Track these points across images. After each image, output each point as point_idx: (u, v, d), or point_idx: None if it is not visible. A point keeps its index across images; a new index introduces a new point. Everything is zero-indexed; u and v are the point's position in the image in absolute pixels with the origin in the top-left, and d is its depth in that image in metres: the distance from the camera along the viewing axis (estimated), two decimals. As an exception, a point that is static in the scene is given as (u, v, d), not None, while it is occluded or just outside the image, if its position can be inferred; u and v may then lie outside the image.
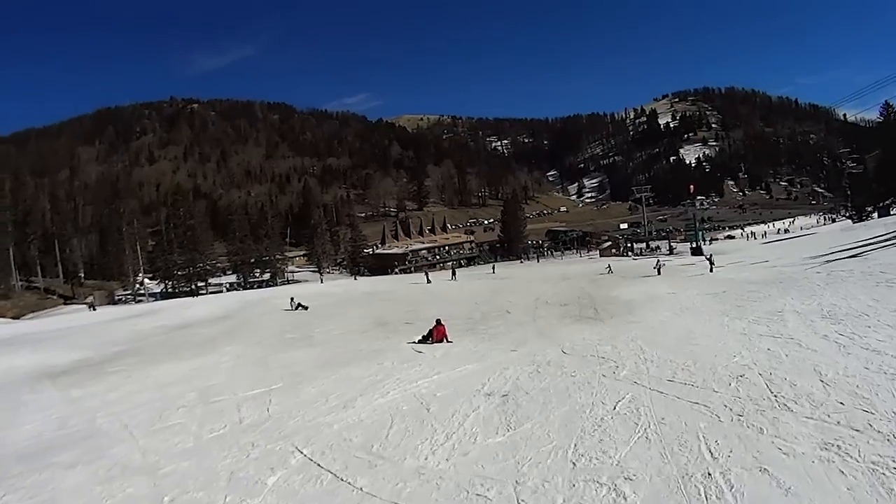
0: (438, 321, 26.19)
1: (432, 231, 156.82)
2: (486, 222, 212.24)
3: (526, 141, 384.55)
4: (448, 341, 25.19)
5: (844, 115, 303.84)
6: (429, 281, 63.84)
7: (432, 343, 25.10)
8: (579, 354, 19.81)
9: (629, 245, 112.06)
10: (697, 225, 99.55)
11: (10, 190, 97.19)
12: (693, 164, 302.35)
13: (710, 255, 51.52)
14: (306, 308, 43.61)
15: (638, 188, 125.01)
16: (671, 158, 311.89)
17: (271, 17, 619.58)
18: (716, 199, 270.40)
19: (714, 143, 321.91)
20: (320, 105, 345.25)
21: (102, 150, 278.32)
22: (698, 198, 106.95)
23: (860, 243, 48.10)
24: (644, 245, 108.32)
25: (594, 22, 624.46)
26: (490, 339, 25.30)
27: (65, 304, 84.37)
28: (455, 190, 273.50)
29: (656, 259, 59.33)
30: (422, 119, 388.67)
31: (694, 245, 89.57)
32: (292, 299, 45.42)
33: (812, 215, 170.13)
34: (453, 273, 71.11)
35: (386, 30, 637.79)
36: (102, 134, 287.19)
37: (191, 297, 79.15)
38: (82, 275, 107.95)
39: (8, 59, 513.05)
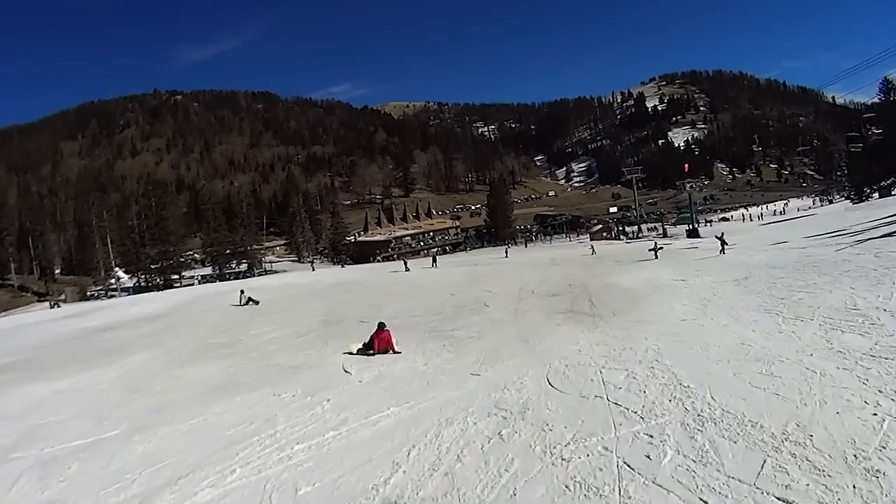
0: (381, 325, 20.25)
1: (417, 217, 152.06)
2: (473, 208, 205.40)
3: (513, 126, 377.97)
4: (395, 351, 19.50)
5: (833, 97, 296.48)
6: (407, 269, 58.59)
7: (374, 354, 19.30)
8: (575, 390, 13.06)
9: (621, 228, 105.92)
10: (693, 206, 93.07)
11: None
12: (682, 148, 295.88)
13: (722, 234, 45.30)
14: (257, 303, 38.92)
15: (629, 169, 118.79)
16: (660, 142, 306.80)
17: (257, 8, 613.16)
18: (705, 182, 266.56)
19: (703, 126, 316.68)
20: (306, 94, 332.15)
21: (85, 144, 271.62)
22: (687, 181, 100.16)
23: (879, 222, 42.02)
24: (636, 228, 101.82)
25: (580, 5, 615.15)
26: (452, 349, 19.49)
27: (38, 301, 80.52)
28: (441, 176, 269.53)
29: (653, 242, 52.86)
30: (408, 106, 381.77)
31: (690, 227, 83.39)
32: (242, 293, 40.53)
33: (804, 197, 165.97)
34: (434, 260, 64.95)
35: (371, 17, 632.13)
36: (85, 128, 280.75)
37: (156, 292, 73.11)
38: (58, 271, 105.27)
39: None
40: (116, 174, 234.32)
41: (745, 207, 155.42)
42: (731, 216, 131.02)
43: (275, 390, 15.89)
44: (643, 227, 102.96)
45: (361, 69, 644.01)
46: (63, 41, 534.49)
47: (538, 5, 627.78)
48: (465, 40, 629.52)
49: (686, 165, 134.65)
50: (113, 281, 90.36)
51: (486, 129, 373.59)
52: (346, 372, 17.35)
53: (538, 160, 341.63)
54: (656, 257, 44.07)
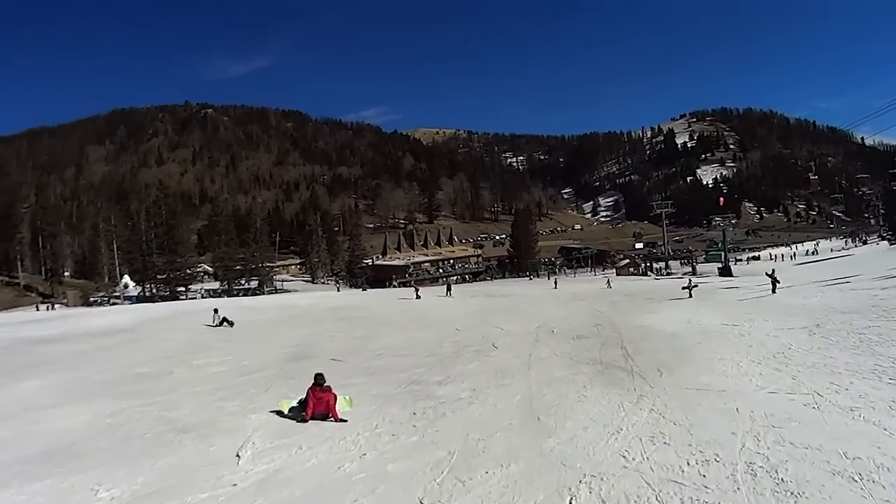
0: (319, 380, 14.02)
1: (437, 244, 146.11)
2: (497, 237, 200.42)
3: (541, 157, 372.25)
4: (336, 419, 13.36)
5: (862, 138, 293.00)
6: (418, 296, 52.74)
7: (306, 420, 13.26)
8: None
9: (648, 264, 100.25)
10: (725, 243, 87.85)
11: None
12: (710, 185, 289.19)
13: (773, 272, 40.34)
14: (231, 325, 33.53)
15: (658, 203, 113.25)
16: (688, 179, 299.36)
17: (293, 29, 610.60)
18: (733, 221, 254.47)
19: (731, 164, 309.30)
20: (337, 116, 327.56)
21: (112, 150, 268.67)
22: (716, 218, 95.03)
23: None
24: (663, 265, 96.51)
25: (611, 41, 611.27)
26: (421, 425, 13.16)
27: (42, 302, 76.49)
28: (467, 204, 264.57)
29: (687, 279, 48.96)
30: (437, 133, 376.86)
31: (722, 265, 79.35)
32: (216, 312, 35.17)
33: (833, 238, 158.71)
34: (448, 289, 59.38)
35: (406, 44, 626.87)
36: (114, 134, 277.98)
37: (160, 303, 69.19)
38: (67, 273, 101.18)
39: (28, 54, 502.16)
40: (140, 182, 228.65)
41: (773, 247, 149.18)
42: (761, 255, 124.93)
43: (102, 479, 10.00)
44: (670, 263, 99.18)
45: (393, 94, 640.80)
46: (100, 48, 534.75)
47: (570, 40, 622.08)
48: (496, 70, 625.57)
49: (721, 199, 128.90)
50: (117, 288, 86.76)
51: (514, 159, 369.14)
52: (237, 455, 11.09)
53: (565, 193, 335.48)
54: (691, 296, 39.66)
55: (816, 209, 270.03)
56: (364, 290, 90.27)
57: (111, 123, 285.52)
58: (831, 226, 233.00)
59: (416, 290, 56.84)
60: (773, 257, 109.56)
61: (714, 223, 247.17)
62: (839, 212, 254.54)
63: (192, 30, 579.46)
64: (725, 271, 72.75)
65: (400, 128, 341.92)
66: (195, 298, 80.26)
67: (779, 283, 38.23)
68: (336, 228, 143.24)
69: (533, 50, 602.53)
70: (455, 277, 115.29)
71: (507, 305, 43.05)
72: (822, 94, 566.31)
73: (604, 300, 42.92)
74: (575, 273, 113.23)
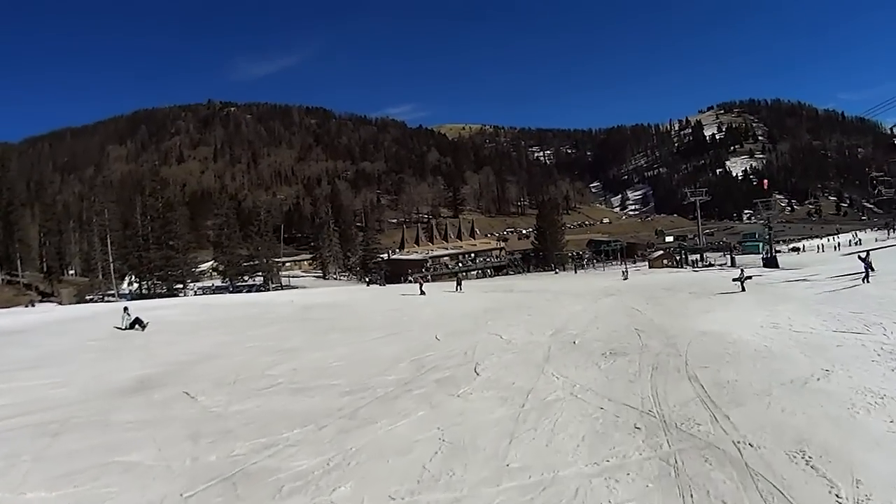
0: None
1: (459, 237, 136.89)
2: (523, 231, 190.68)
3: (569, 152, 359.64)
4: None
5: (892, 128, 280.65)
6: (422, 292, 45.13)
7: None
8: None
9: (683, 256, 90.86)
10: (771, 232, 79.26)
11: None
12: (740, 177, 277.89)
13: (867, 255, 32.19)
14: (143, 327, 26.43)
15: (693, 191, 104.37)
16: (717, 171, 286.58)
17: (319, 28, 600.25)
18: (764, 213, 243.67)
19: (761, 156, 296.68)
20: (362, 113, 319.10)
21: (132, 149, 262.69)
22: (764, 201, 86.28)
23: None
24: (698, 257, 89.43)
25: (639, 34, 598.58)
26: None
27: (41, 300, 71.12)
28: (493, 198, 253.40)
29: (738, 270, 40.84)
30: (463, 128, 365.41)
31: (767, 255, 71.11)
32: (125, 311, 27.81)
33: (868, 230, 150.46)
34: (458, 284, 51.36)
35: (432, 41, 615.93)
36: (135, 134, 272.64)
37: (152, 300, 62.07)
38: (73, 272, 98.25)
39: (54, 58, 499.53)
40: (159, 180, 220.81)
41: (808, 239, 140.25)
42: (803, 246, 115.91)
43: None
44: (708, 255, 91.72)
45: (420, 91, 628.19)
46: (122, 49, 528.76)
47: (597, 33, 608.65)
48: (523, 65, 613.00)
49: (764, 182, 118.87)
50: (106, 284, 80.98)
51: (541, 153, 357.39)
52: None
53: (593, 187, 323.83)
54: (743, 289, 32.98)
55: (848, 201, 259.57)
56: (382, 285, 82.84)
57: (133, 123, 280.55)
58: (863, 217, 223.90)
59: (420, 286, 48.29)
60: (818, 249, 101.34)
61: (746, 215, 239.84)
62: (870, 203, 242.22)
63: (217, 31, 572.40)
64: (771, 262, 64.41)
65: (426, 124, 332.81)
66: (186, 296, 75.81)
67: (874, 270, 30.08)
68: (359, 223, 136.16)
69: (559, 44, 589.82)
70: (475, 271, 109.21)
71: (522, 302, 35.26)
72: (846, 87, 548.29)
73: (640, 295, 35.28)
74: (605, 267, 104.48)
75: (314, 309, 35.02)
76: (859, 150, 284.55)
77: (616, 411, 10.75)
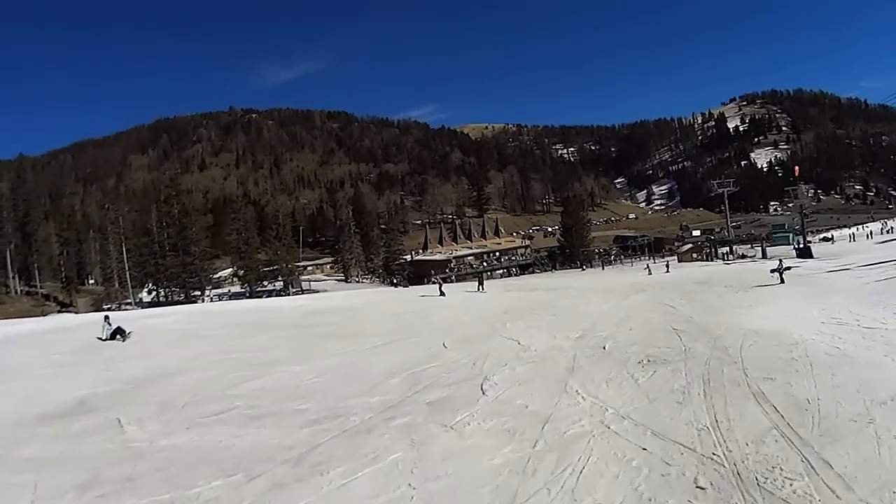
0: None
1: (483, 236, 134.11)
2: (549, 229, 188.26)
3: (592, 148, 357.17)
4: None
5: None
6: (442, 293, 42.59)
7: None
8: None
9: (713, 248, 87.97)
10: (804, 220, 76.66)
11: (10, 191, 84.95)
12: (765, 169, 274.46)
13: None
14: (123, 338, 23.80)
15: (720, 182, 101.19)
16: (742, 163, 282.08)
17: (340, 33, 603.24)
18: (790, 204, 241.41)
19: (785, 147, 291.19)
20: (385, 116, 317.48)
21: (154, 158, 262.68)
22: (796, 188, 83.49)
23: None
24: (727, 249, 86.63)
25: (658, 27, 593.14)
26: None
27: (59, 311, 71.80)
28: (518, 196, 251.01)
29: (776, 261, 37.90)
30: (486, 128, 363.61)
31: (800, 245, 69.03)
32: (106, 319, 25.02)
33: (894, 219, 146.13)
34: (480, 283, 49.37)
35: (452, 42, 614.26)
36: (157, 143, 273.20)
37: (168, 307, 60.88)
38: (93, 281, 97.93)
39: (74, 71, 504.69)
40: (182, 188, 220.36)
41: (836, 229, 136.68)
42: (833, 235, 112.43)
43: None
44: (739, 247, 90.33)
45: (442, 93, 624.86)
46: (147, 61, 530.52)
47: (617, 29, 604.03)
48: (544, 63, 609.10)
49: (796, 169, 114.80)
50: (141, 294, 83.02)
51: (565, 150, 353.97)
52: None
53: (618, 183, 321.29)
54: (782, 281, 31.28)
55: (874, 190, 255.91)
56: (405, 286, 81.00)
57: (154, 132, 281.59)
58: (889, 206, 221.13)
59: (440, 287, 45.72)
60: (852, 237, 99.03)
61: (772, 206, 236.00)
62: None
63: (238, 40, 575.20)
64: (805, 252, 61.56)
65: (448, 125, 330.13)
66: (210, 301, 74.11)
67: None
68: (382, 226, 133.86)
69: (580, 41, 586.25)
70: (500, 271, 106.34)
71: (546, 301, 32.78)
72: (868, 74, 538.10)
73: (673, 290, 33.20)
74: (633, 262, 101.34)
75: (322, 314, 32.38)
76: (884, 137, 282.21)
77: (665, 454, 7.85)
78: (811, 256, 56.44)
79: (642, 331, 18.30)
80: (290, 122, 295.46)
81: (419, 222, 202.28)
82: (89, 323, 29.59)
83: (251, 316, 33.64)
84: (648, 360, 13.38)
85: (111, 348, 21.82)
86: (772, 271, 33.37)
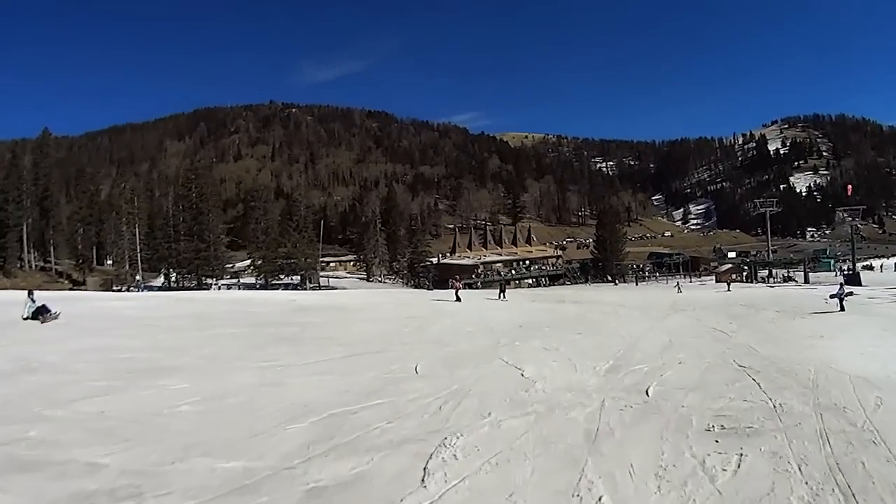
0: None
1: (514, 243, 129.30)
2: (583, 241, 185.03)
3: (631, 163, 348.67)
4: None
5: None
6: (458, 299, 38.06)
7: None
8: None
9: (752, 270, 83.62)
10: (854, 243, 73.64)
11: (32, 165, 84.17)
12: (804, 194, 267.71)
13: None
14: (43, 320, 20.02)
15: (762, 201, 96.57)
16: (781, 186, 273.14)
17: (386, 35, 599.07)
18: (827, 231, 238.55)
19: (825, 172, 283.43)
20: (427, 119, 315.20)
21: (191, 146, 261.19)
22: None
23: None
24: (767, 272, 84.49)
25: (704, 48, 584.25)
26: None
27: (71, 289, 69.98)
28: (553, 207, 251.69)
29: (839, 285, 31.88)
30: (526, 137, 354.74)
31: (849, 271, 66.48)
32: (30, 295, 21.63)
33: None
34: (502, 291, 45.03)
35: (498, 48, 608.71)
36: (195, 131, 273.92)
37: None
38: (110, 261, 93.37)
39: (115, 58, 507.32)
40: (216, 176, 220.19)
41: (875, 258, 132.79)
42: (872, 264, 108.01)
43: None
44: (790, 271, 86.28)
45: (484, 99, 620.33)
46: (191, 50, 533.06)
47: (663, 47, 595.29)
48: (588, 76, 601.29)
49: (848, 188, 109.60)
50: (132, 274, 79.37)
51: (604, 164, 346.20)
52: None
53: (655, 199, 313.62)
54: (842, 308, 27.41)
55: None
56: (429, 289, 78.56)
57: (193, 121, 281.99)
58: None
59: (457, 292, 40.54)
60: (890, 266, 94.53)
61: (809, 232, 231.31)
62: None
63: (284, 34, 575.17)
64: (854, 279, 57.35)
65: (489, 132, 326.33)
66: (217, 289, 73.58)
67: None
68: (414, 227, 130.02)
69: (625, 56, 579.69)
70: (529, 279, 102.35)
71: (572, 315, 28.23)
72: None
73: (717, 312, 29.31)
74: (667, 280, 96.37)
75: (307, 312, 27.91)
76: None
77: None
78: (860, 284, 52.16)
79: (697, 366, 13.37)
80: (330, 119, 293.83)
81: (451, 227, 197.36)
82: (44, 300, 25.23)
83: (227, 307, 29.82)
84: (722, 427, 8.22)
85: (21, 328, 18.25)
86: (830, 296, 29.60)
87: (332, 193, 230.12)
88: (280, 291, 67.97)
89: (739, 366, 13.30)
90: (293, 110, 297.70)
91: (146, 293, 61.60)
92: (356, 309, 30.61)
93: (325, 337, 18.47)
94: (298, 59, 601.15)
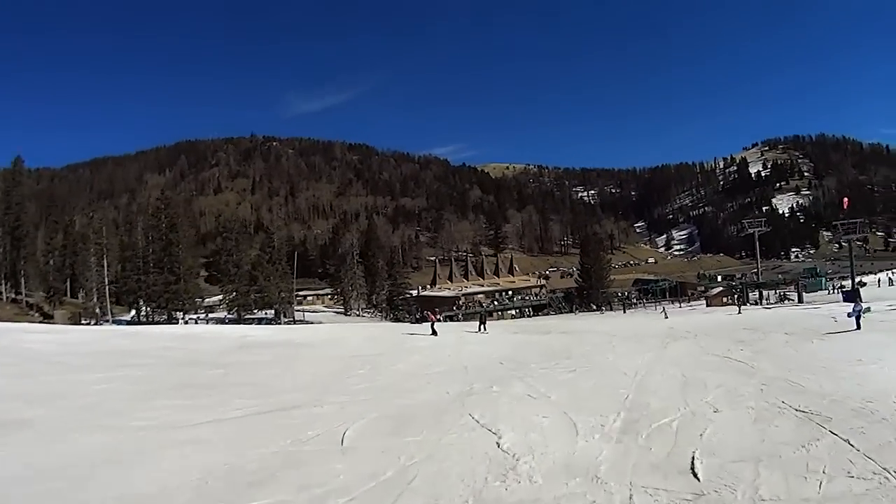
0: None
1: (496, 274, 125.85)
2: (566, 270, 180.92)
3: (613, 191, 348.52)
4: None
5: None
6: (434, 333, 33.69)
7: None
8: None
9: (744, 293, 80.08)
10: (853, 259, 69.59)
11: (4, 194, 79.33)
12: (786, 215, 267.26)
13: None
14: None
15: (750, 222, 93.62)
16: (763, 208, 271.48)
17: (370, 69, 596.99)
18: (811, 251, 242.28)
19: (807, 192, 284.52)
20: (407, 151, 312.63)
21: (171, 179, 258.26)
22: (845, 223, 75.89)
23: None
24: (758, 294, 77.59)
25: (683, 75, 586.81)
26: None
27: (42, 321, 64.99)
28: (536, 237, 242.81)
29: (857, 306, 28.46)
30: (507, 167, 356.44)
31: (849, 287, 59.69)
32: None
33: None
34: (482, 323, 38.78)
35: (479, 82, 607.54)
36: (175, 163, 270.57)
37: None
38: (95, 295, 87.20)
39: (106, 90, 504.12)
40: (195, 209, 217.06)
41: (863, 275, 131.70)
42: (865, 280, 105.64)
43: None
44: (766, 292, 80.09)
45: (465, 132, 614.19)
46: (175, 84, 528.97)
47: (640, 77, 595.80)
48: (568, 107, 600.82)
49: (845, 201, 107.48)
50: (98, 309, 75.15)
51: (585, 193, 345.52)
52: None
53: (638, 227, 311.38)
54: (859, 327, 24.15)
55: None
56: (414, 323, 71.32)
57: (174, 153, 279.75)
58: None
59: (432, 324, 36.20)
60: (890, 281, 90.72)
61: (794, 253, 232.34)
62: None
63: (268, 67, 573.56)
64: (853, 295, 52.76)
65: (470, 163, 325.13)
66: (184, 324, 68.19)
67: None
68: (394, 259, 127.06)
69: (605, 88, 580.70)
70: (512, 310, 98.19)
71: (561, 348, 23.94)
72: (889, 122, 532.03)
73: (721, 337, 25.40)
74: (656, 306, 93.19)
75: (256, 349, 24.01)
76: None
77: None
78: (860, 298, 48.76)
79: (742, 416, 10.05)
80: (311, 152, 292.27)
81: (432, 258, 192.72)
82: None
83: (165, 344, 25.26)
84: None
85: None
86: (848, 315, 26.32)
87: (312, 226, 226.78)
88: (252, 326, 64.24)
89: (797, 410, 10.00)
90: (274, 143, 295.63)
91: (105, 327, 58.78)
92: (313, 345, 26.76)
93: (250, 383, 14.61)
94: (282, 92, 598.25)
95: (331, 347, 26.04)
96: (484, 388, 13.47)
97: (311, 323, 74.57)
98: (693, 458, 7.33)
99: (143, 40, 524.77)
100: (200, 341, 27.91)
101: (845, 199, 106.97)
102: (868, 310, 28.40)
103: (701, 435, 8.46)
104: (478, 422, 9.73)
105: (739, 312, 44.61)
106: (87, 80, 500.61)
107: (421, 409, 11.15)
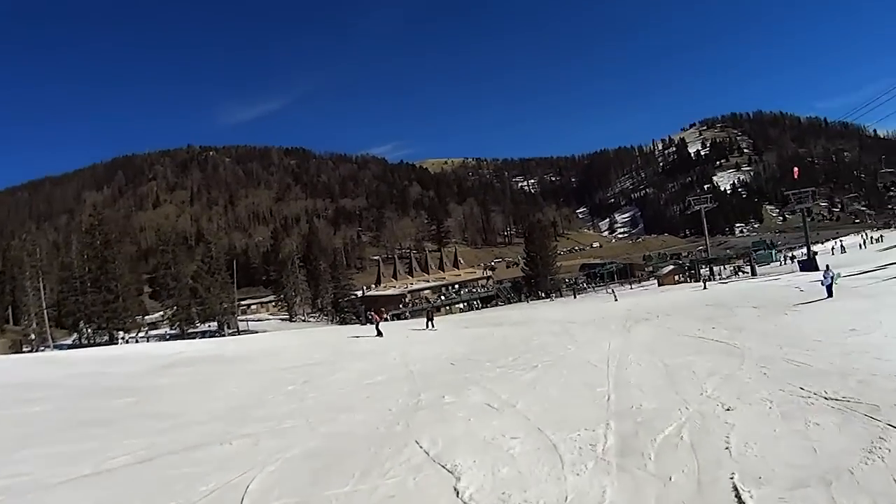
0: None
1: (441, 268, 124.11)
2: (512, 260, 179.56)
3: (553, 179, 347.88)
4: None
5: (874, 130, 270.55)
6: (379, 333, 31.68)
7: None
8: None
9: (696, 270, 79.29)
10: (807, 232, 71.60)
11: None
12: (728, 191, 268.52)
13: None
14: None
15: (696, 199, 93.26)
16: (705, 186, 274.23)
17: (303, 73, 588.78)
18: (756, 225, 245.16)
19: (748, 168, 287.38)
20: (344, 152, 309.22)
21: (109, 196, 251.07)
22: (798, 193, 75.92)
23: None
24: (708, 270, 77.00)
25: (614, 58, 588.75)
26: None
27: None
28: (478, 229, 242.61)
29: (827, 274, 27.23)
30: (446, 162, 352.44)
31: (805, 256, 62.92)
32: None
33: (869, 231, 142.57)
34: (429, 320, 38.28)
35: (412, 78, 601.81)
36: (112, 180, 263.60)
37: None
38: (35, 320, 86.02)
39: (35, 110, 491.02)
40: (134, 225, 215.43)
41: (816, 244, 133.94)
42: (816, 250, 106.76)
43: None
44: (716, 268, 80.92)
45: (402, 129, 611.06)
46: (106, 99, 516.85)
47: (574, 61, 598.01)
48: (503, 97, 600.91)
49: (795, 171, 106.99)
50: (34, 335, 70.03)
51: (525, 182, 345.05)
52: None
53: (580, 212, 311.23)
54: (830, 295, 23.95)
55: (839, 205, 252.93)
56: (364, 324, 71.67)
57: (111, 170, 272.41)
58: (857, 221, 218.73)
59: (376, 325, 33.67)
60: (839, 249, 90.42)
61: (738, 228, 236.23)
62: (862, 205, 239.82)
63: (201, 80, 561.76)
64: (810, 265, 54.61)
65: (409, 160, 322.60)
66: (125, 343, 64.31)
67: None
68: (337, 261, 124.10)
69: (538, 74, 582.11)
70: (460, 304, 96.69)
71: (517, 341, 21.64)
72: (822, 95, 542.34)
73: (687, 316, 23.96)
74: (605, 290, 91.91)
75: (180, 368, 21.21)
76: (846, 154, 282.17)
77: None
78: (816, 269, 48.19)
79: (763, 413, 8.15)
80: (247, 159, 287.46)
81: (376, 258, 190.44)
82: None
83: (75, 370, 21.61)
84: None
85: None
86: (822, 283, 25.99)
87: (253, 234, 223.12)
88: (191, 341, 60.98)
89: (827, 399, 8.36)
90: (210, 153, 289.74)
91: (39, 353, 53.36)
92: (246, 358, 23.96)
93: (156, 413, 11.90)
94: (216, 101, 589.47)
95: (264, 360, 23.23)
96: (434, 398, 11.21)
97: (255, 332, 71.61)
98: (736, 488, 5.16)
99: (75, 57, 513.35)
100: (123, 363, 24.49)
101: (796, 169, 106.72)
102: (839, 276, 27.94)
103: (727, 448, 6.31)
104: (427, 453, 7.37)
105: (705, 288, 44.24)
106: (21, 99, 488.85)
107: (355, 437, 8.73)
